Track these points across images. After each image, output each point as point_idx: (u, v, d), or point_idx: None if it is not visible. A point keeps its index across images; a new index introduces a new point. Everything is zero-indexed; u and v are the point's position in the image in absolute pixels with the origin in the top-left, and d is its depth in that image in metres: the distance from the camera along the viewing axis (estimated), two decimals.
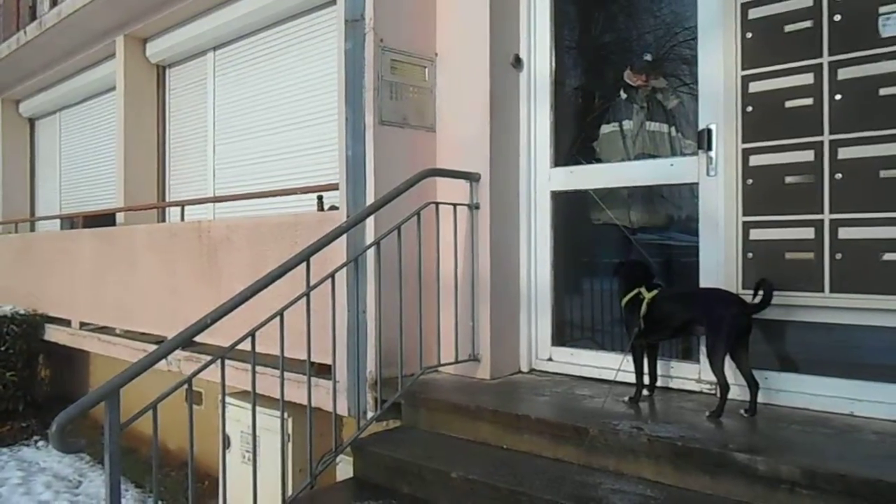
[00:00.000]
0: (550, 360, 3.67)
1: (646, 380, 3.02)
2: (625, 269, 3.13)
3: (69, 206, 8.55)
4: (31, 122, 9.63)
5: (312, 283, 2.92)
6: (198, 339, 3.74)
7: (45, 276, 7.27)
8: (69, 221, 7.88)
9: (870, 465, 2.16)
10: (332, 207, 4.06)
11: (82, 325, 6.55)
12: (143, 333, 5.60)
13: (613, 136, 3.88)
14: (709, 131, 3.07)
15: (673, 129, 3.79)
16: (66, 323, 6.80)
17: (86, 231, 6.79)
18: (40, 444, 6.58)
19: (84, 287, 6.48)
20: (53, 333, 7.03)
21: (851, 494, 2.08)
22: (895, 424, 2.56)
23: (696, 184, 3.16)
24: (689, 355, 3.24)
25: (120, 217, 6.71)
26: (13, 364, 6.88)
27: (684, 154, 3.50)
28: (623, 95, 3.89)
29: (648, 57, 3.90)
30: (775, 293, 2.69)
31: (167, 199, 6.84)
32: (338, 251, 3.31)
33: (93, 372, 7.39)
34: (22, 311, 7.11)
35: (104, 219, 6.84)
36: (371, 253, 3.25)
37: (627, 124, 3.86)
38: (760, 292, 2.71)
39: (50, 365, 7.76)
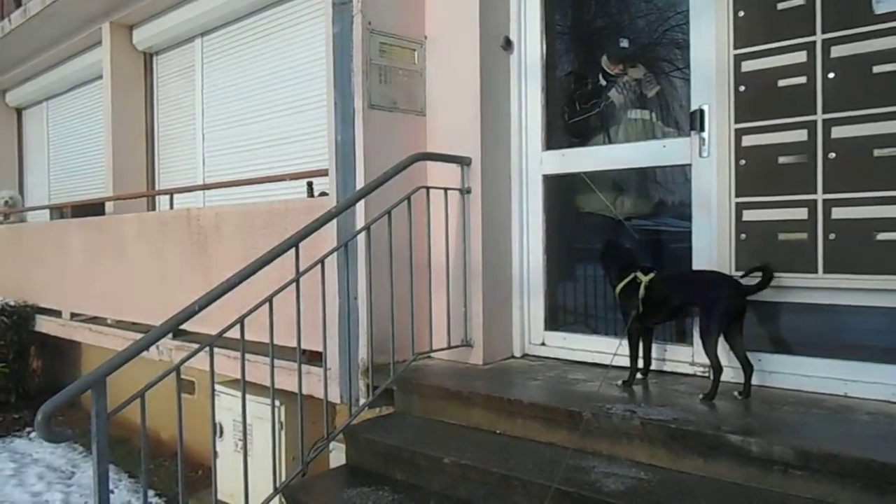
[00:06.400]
0: (543, 344, 3.65)
1: (640, 363, 3.01)
2: (613, 254, 3.11)
3: (58, 196, 8.48)
4: (19, 111, 9.53)
5: (302, 269, 2.89)
6: (189, 327, 3.73)
7: (34, 267, 7.21)
8: (58, 211, 7.81)
9: (862, 446, 2.15)
10: (323, 194, 4.02)
11: (73, 315, 6.50)
12: (135, 323, 5.56)
13: (607, 120, 3.84)
14: (701, 112, 3.04)
15: (654, 115, 3.77)
16: (57, 314, 6.76)
17: (75, 221, 6.73)
18: (33, 435, 6.53)
19: (74, 277, 6.43)
20: (44, 324, 6.98)
21: (844, 475, 2.07)
22: (888, 405, 2.55)
23: (689, 165, 3.13)
24: (682, 338, 3.22)
25: (109, 206, 6.64)
26: (4, 356, 6.83)
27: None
28: (603, 82, 3.86)
29: (625, 44, 3.85)
30: None
31: (156, 188, 6.77)
32: (328, 238, 3.29)
33: (85, 363, 7.34)
34: (12, 303, 7.04)
35: (93, 208, 6.77)
36: (361, 238, 3.22)
37: (619, 109, 3.82)
38: (758, 274, 2.70)
39: (42, 356, 7.71)
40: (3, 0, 8.51)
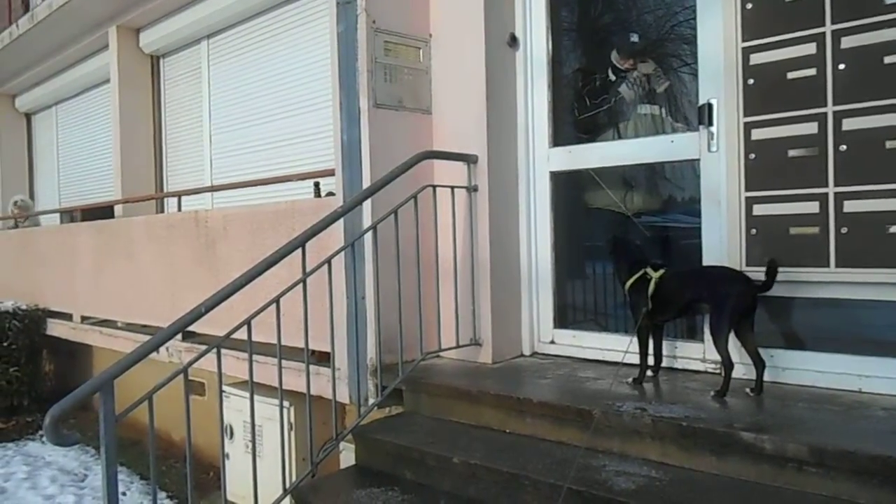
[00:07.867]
0: (553, 342, 3.63)
1: (650, 360, 2.98)
2: (622, 250, 3.08)
3: (68, 200, 8.52)
4: (28, 116, 9.59)
5: (309, 269, 2.88)
6: (198, 329, 3.73)
7: (45, 271, 7.25)
8: (68, 215, 7.85)
9: (878, 442, 2.12)
10: (330, 194, 4.01)
11: (84, 318, 6.53)
12: (145, 325, 5.58)
13: (616, 116, 3.82)
14: (709, 106, 3.01)
15: (663, 110, 3.74)
16: (68, 317, 6.79)
17: (84, 224, 6.75)
18: (45, 438, 6.57)
19: (84, 281, 6.46)
20: (55, 328, 7.02)
21: (860, 472, 2.04)
22: None
23: (698, 160, 3.10)
24: (693, 335, 3.19)
25: (118, 209, 6.67)
26: (16, 359, 6.88)
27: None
28: (612, 77, 3.83)
29: (635, 38, 3.82)
30: (780, 269, 2.64)
31: (164, 190, 6.79)
32: (335, 238, 3.27)
33: (96, 366, 7.37)
34: (24, 306, 7.08)
35: (102, 211, 6.80)
36: (368, 238, 3.21)
37: (629, 105, 3.79)
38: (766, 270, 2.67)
39: (53, 360, 7.75)
40: (11, 5, 8.56)
